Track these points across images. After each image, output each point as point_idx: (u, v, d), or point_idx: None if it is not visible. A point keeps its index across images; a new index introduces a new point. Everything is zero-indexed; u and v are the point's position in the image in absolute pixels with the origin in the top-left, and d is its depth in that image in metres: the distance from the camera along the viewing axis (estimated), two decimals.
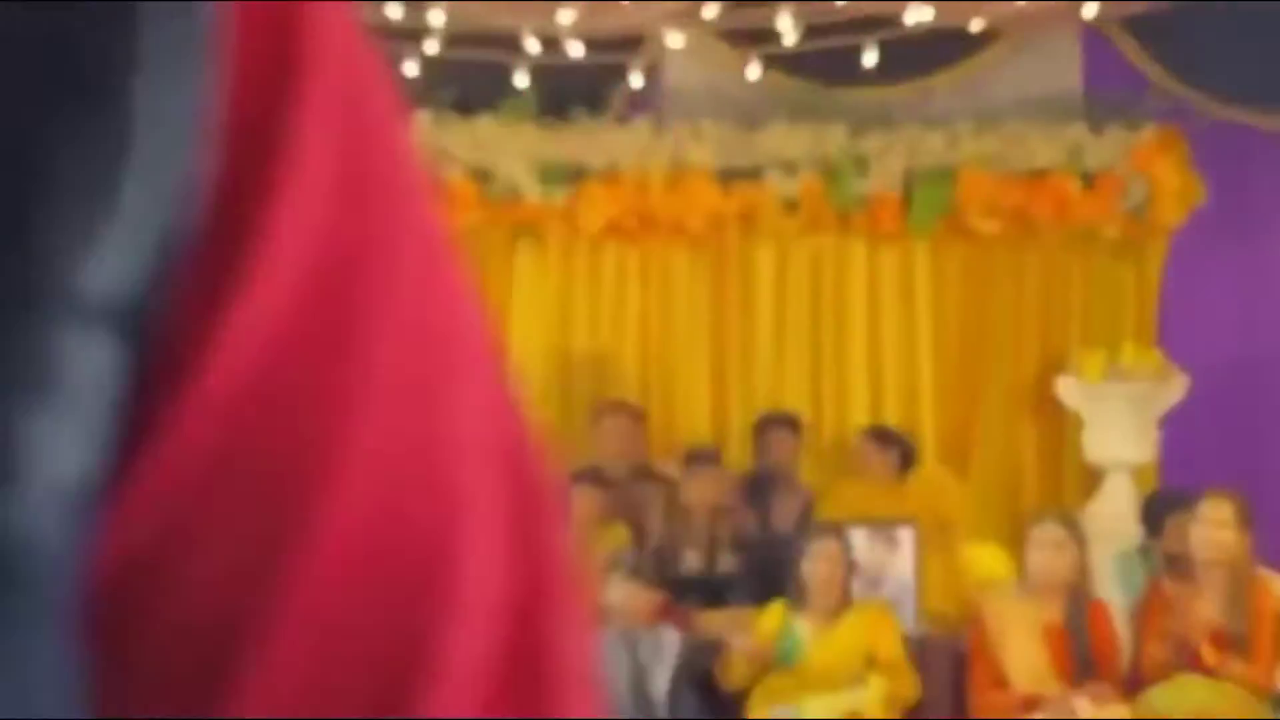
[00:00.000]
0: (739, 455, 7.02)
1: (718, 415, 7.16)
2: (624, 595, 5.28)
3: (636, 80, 7.13)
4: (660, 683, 5.23)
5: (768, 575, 5.77)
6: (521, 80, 6.76)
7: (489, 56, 6.86)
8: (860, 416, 7.03)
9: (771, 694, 5.25)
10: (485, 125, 6.97)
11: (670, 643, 5.30)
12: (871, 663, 5.28)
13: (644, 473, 6.66)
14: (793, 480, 6.65)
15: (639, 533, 6.34)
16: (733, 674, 5.37)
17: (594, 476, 6.43)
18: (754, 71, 6.88)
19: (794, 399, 7.08)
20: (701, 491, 6.21)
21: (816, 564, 5.38)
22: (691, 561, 6.18)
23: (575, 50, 6.84)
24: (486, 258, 7.10)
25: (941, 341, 7.14)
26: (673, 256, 7.12)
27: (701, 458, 6.46)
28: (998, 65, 7.26)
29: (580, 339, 7.15)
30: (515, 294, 7.12)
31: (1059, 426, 7.12)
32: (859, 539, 5.91)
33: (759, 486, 6.60)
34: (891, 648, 5.35)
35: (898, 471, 6.64)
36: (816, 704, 5.13)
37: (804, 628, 5.40)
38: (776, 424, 6.74)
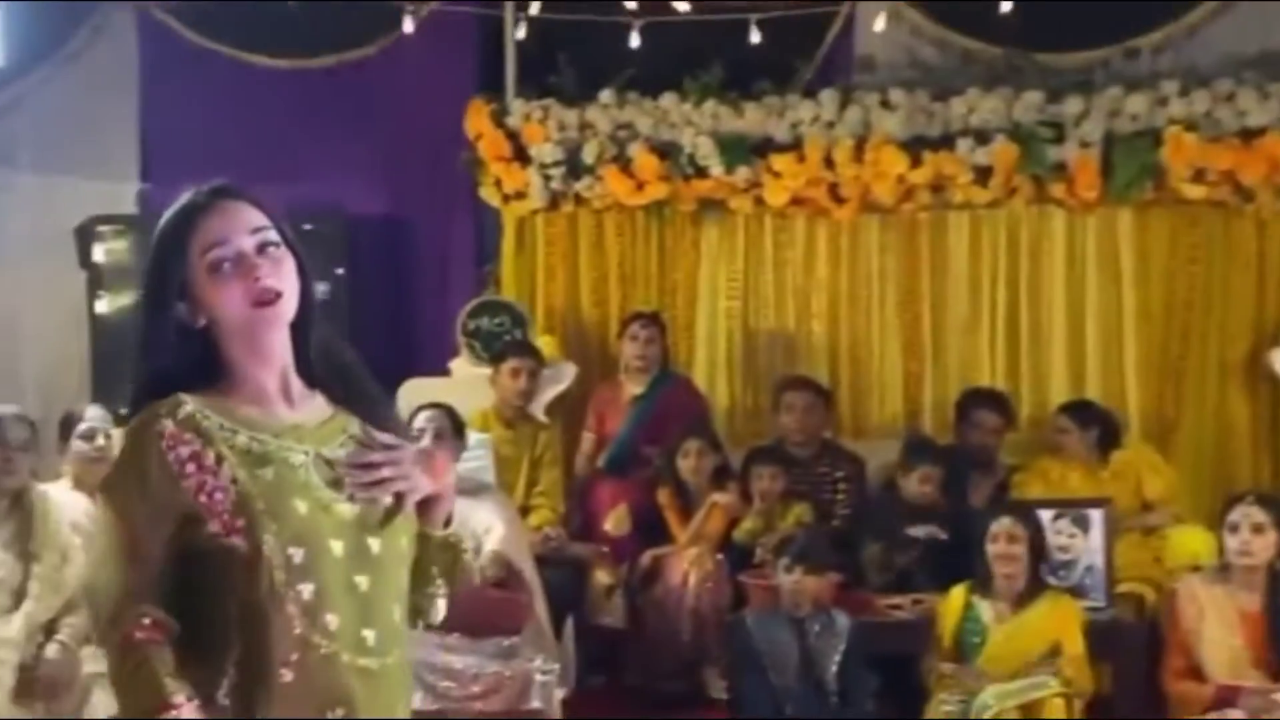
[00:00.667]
0: (933, 433, 6.83)
1: (910, 391, 6.98)
2: (796, 577, 5.17)
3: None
4: (831, 667, 5.10)
5: (956, 558, 5.57)
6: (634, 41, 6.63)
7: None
8: (1060, 392, 6.76)
9: (948, 681, 5.08)
10: (670, 102, 6.91)
11: (842, 627, 5.16)
12: (1054, 653, 5.05)
13: (829, 451, 6.51)
14: (992, 460, 6.43)
15: (823, 513, 6.22)
16: (926, 672, 5.19)
17: (777, 454, 6.34)
18: (880, 22, 6.64)
19: (989, 374, 6.87)
20: (921, 484, 6.02)
21: (1003, 546, 5.16)
22: (874, 542, 6.02)
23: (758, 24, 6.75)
24: (673, 233, 7.06)
25: (1146, 313, 6.81)
26: (861, 229, 6.96)
27: (922, 449, 6.23)
28: (1207, 23, 6.88)
29: (767, 314, 7.03)
30: (702, 269, 7.05)
31: (1273, 401, 6.75)
32: (1051, 520, 5.67)
33: (954, 465, 6.38)
34: (1075, 642, 5.09)
35: (1099, 449, 6.35)
36: (994, 694, 4.93)
37: (987, 612, 5.20)
38: (982, 403, 6.52)
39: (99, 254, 6.91)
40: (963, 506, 6.12)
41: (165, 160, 7.41)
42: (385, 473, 2.15)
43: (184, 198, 2.19)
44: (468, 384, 6.54)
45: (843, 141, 6.70)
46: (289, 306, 2.17)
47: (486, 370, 6.47)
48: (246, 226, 2.14)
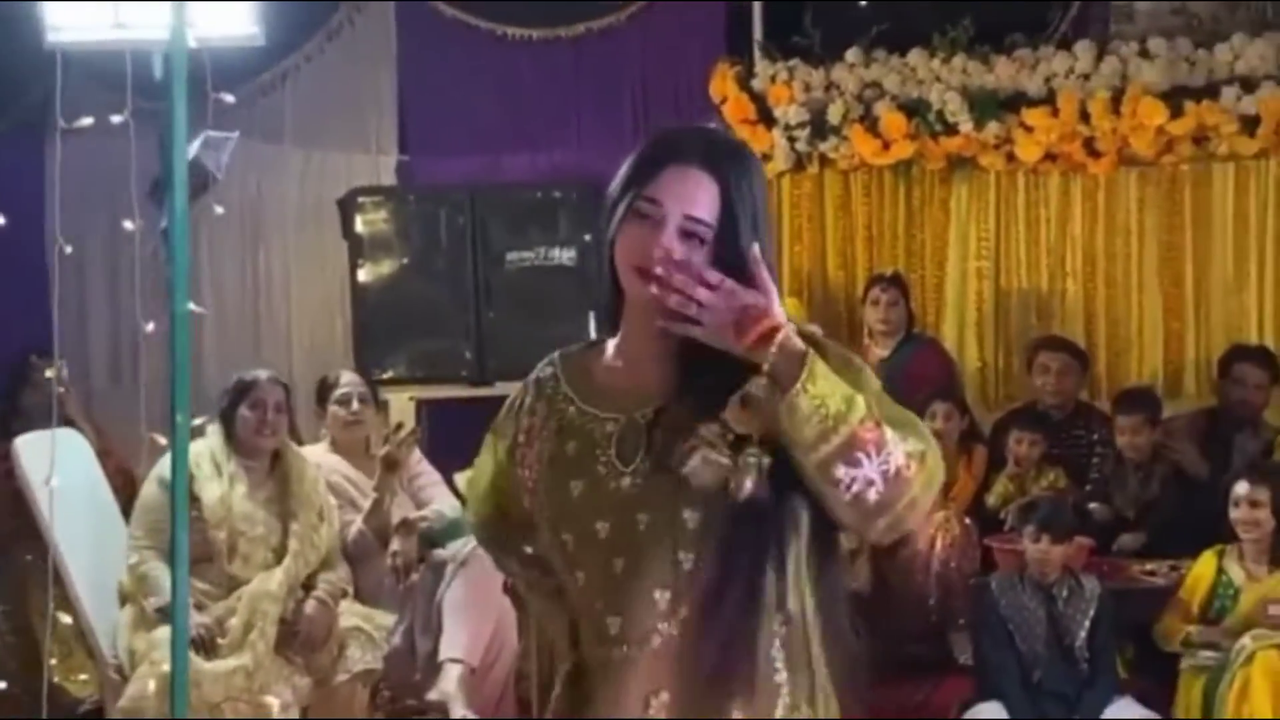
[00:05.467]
0: (1194, 394, 6.61)
1: (1170, 352, 6.72)
2: (1044, 545, 5.05)
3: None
4: (1080, 634, 4.98)
5: (1215, 521, 5.36)
6: None
7: None
8: None
9: (1194, 640, 4.97)
10: (918, 58, 6.79)
11: (1091, 593, 5.02)
12: None
13: (1084, 413, 6.34)
14: (1256, 419, 6.16)
15: (1077, 477, 6.06)
16: (1169, 634, 5.07)
17: (1035, 418, 6.21)
18: None
19: (1256, 333, 6.57)
20: (1132, 436, 5.86)
21: (1244, 511, 4.98)
22: (1124, 507, 5.87)
23: None
24: (921, 193, 6.94)
25: None
26: (1118, 184, 6.71)
27: (1131, 400, 6.08)
28: None
29: (1019, 274, 6.85)
30: (951, 229, 6.90)
31: None
32: None
33: (1217, 425, 6.17)
34: None
35: None
36: (1252, 636, 4.77)
37: (1238, 575, 5.04)
38: (1245, 358, 6.25)
39: (359, 225, 7.13)
40: (1226, 468, 5.91)
41: (423, 133, 7.62)
42: (702, 293, 1.84)
43: (664, 138, 2.04)
44: None
45: (1099, 94, 6.47)
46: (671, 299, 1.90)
47: None
48: (690, 207, 1.95)
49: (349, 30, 7.64)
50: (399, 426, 5.29)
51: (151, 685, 3.58)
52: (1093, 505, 5.77)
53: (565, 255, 7.11)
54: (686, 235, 1.95)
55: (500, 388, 6.93)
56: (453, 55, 7.52)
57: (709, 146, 2.00)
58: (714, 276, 1.86)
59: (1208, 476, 5.90)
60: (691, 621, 1.94)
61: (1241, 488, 5.04)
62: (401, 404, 6.68)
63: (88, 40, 5.22)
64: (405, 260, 7.18)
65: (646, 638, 1.95)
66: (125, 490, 5.39)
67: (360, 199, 7.20)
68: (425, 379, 7.04)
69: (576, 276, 7.11)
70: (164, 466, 4.72)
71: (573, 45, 7.50)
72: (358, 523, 5.11)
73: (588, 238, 7.12)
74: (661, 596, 1.95)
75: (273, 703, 4.40)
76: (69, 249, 3.50)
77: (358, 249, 7.14)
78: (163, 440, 3.43)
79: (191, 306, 3.57)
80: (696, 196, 1.95)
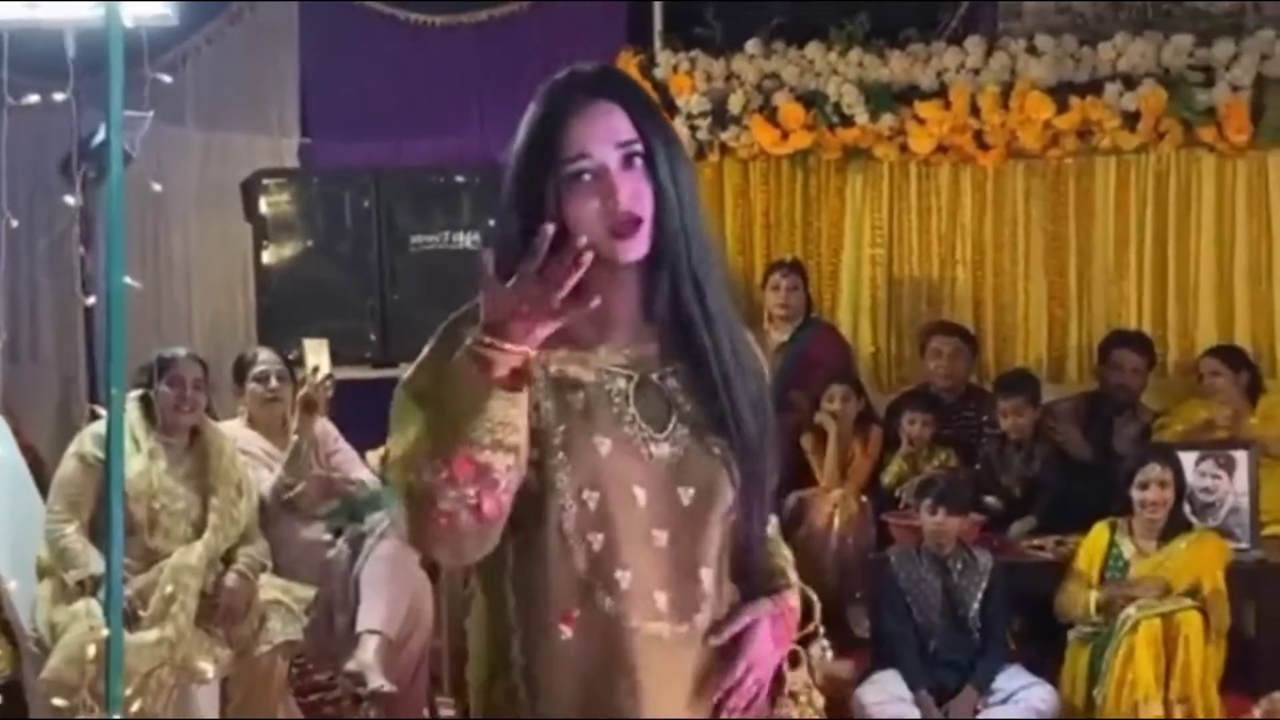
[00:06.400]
0: (1076, 378, 6.88)
1: (1054, 338, 7.00)
2: (940, 518, 5.26)
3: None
4: (973, 605, 5.20)
5: (1101, 499, 5.61)
6: None
7: None
8: (1206, 340, 6.74)
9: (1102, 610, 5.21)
10: (816, 51, 6.98)
11: (984, 565, 5.24)
12: (1194, 592, 5.10)
13: (974, 395, 6.59)
14: (1134, 401, 6.45)
15: (966, 457, 6.30)
16: (1073, 603, 5.30)
17: (926, 399, 6.44)
18: None
19: (1135, 320, 6.86)
20: (1015, 417, 6.12)
21: (1154, 492, 5.22)
22: (1011, 485, 6.12)
23: None
24: (818, 182, 7.13)
25: None
26: (1006, 175, 6.97)
27: (1011, 383, 6.34)
28: None
29: (911, 261, 7.08)
30: (847, 217, 7.12)
31: None
32: (1195, 462, 5.70)
33: (1097, 408, 6.44)
34: (1213, 578, 5.15)
35: (1247, 393, 6.33)
36: (1136, 606, 4.99)
37: (1128, 549, 5.28)
38: (1123, 343, 6.54)
39: (264, 207, 7.15)
40: (1107, 448, 6.19)
41: (325, 116, 7.66)
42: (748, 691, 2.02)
43: (550, 94, 1.94)
44: None
45: (988, 88, 6.72)
46: (648, 231, 1.91)
47: None
48: (613, 138, 1.89)
49: (250, 13, 7.65)
50: (315, 369, 5.32)
51: (91, 650, 3.64)
52: (989, 499, 5.99)
53: (469, 239, 7.20)
54: (627, 161, 1.90)
55: (404, 369, 7.00)
56: (355, 39, 7.57)
57: (587, 79, 1.94)
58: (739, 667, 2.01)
59: (1090, 458, 6.18)
60: (726, 594, 2.01)
61: (1153, 470, 5.25)
62: (315, 348, 6.68)
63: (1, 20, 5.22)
64: (309, 242, 7.21)
65: (693, 614, 1.95)
66: (33, 468, 5.41)
67: (265, 181, 7.21)
68: (329, 360, 7.07)
69: (480, 260, 7.18)
70: (83, 442, 4.80)
71: (475, 31, 7.60)
72: (277, 471, 5.18)
73: (491, 222, 7.21)
74: (707, 574, 1.96)
75: (207, 667, 4.47)
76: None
77: (262, 231, 7.16)
78: (102, 412, 3.47)
79: (128, 280, 3.61)
80: (611, 123, 1.90)
